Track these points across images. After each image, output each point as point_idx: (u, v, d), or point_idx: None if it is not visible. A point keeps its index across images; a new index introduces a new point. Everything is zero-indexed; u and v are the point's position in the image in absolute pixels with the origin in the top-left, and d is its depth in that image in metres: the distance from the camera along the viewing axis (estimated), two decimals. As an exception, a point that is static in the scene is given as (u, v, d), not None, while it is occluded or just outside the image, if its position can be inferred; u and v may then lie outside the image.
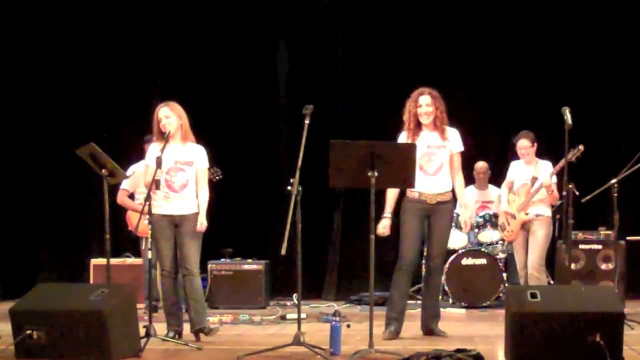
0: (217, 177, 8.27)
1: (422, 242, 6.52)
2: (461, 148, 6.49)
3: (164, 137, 6.12)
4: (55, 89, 9.69)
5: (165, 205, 6.20)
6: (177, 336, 6.17)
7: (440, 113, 6.37)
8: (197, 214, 6.26)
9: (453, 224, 8.70)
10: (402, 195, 6.44)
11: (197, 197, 6.29)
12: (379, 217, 6.20)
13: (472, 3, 9.61)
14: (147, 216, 5.99)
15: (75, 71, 9.71)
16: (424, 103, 6.35)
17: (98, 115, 9.68)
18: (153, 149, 6.25)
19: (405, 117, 6.41)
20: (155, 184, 5.97)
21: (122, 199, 7.86)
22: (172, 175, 6.21)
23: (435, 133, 6.38)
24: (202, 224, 6.25)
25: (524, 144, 7.57)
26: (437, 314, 6.54)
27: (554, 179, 7.42)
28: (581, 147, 6.99)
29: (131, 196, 7.95)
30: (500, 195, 8.23)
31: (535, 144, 7.61)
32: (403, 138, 6.39)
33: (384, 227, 6.36)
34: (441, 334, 6.38)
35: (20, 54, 9.64)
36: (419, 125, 6.38)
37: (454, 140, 6.45)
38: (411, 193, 6.31)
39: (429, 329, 6.43)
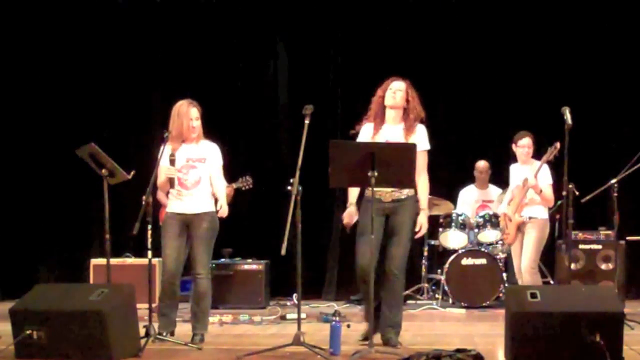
0: (247, 187, 8.22)
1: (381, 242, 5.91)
2: (426, 147, 5.96)
3: (164, 137, 6.09)
4: (55, 89, 9.70)
5: (177, 203, 6.20)
6: (168, 335, 6.10)
7: (414, 106, 5.93)
8: (210, 213, 6.20)
9: (453, 223, 8.83)
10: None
11: (213, 192, 6.26)
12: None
13: (472, 4, 9.62)
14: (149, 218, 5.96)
15: (75, 72, 9.71)
16: (396, 87, 5.96)
17: (98, 115, 9.68)
18: (167, 150, 6.20)
19: (373, 105, 6.04)
20: (170, 182, 6.04)
21: (159, 196, 7.87)
22: (185, 172, 6.19)
23: (399, 127, 5.95)
24: (222, 207, 6.18)
25: (527, 142, 7.55)
26: (396, 324, 5.91)
27: (549, 180, 7.43)
28: (557, 145, 6.94)
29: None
30: (501, 196, 8.29)
31: (534, 147, 7.64)
32: (366, 129, 6.02)
33: (349, 215, 5.94)
34: (393, 344, 5.78)
35: (21, 55, 9.64)
36: (383, 118, 5.97)
37: (418, 137, 5.92)
38: (368, 192, 5.77)
39: (386, 339, 5.83)
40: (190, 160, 6.21)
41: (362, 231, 5.86)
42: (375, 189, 5.55)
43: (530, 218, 7.51)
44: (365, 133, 6.05)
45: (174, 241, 6.19)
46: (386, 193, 5.85)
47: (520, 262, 7.54)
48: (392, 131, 5.97)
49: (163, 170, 6.13)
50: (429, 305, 8.63)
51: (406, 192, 5.91)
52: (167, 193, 6.46)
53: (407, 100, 5.99)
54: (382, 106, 6.00)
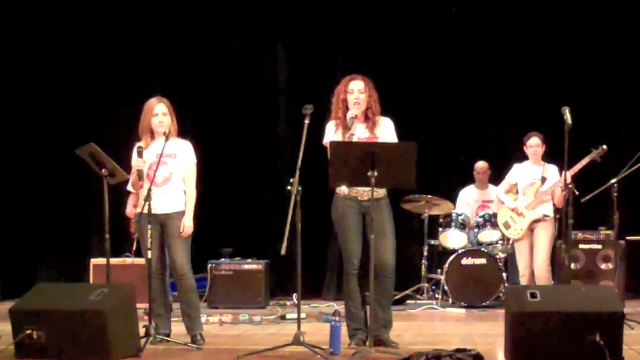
0: None
1: (364, 240, 5.83)
2: (394, 139, 5.88)
3: (164, 135, 6.05)
4: (55, 89, 9.69)
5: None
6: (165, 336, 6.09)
7: (374, 103, 5.85)
8: (182, 213, 6.11)
9: (453, 223, 8.83)
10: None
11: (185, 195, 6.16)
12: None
13: (472, 4, 9.61)
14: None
15: (75, 71, 9.70)
16: (356, 89, 5.83)
17: (98, 115, 9.68)
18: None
19: (333, 105, 5.90)
20: (138, 174, 5.93)
21: (128, 211, 7.84)
22: (155, 169, 6.02)
23: (364, 125, 5.83)
24: (184, 226, 6.06)
25: (536, 142, 7.71)
26: (389, 323, 5.93)
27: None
28: (605, 147, 7.06)
29: None
30: (498, 195, 8.31)
31: (544, 146, 7.72)
32: (331, 129, 5.86)
33: None
34: (392, 345, 5.78)
35: (20, 54, 9.63)
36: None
37: (385, 131, 5.87)
38: (341, 189, 5.83)
39: (380, 340, 5.74)
40: (159, 156, 6.06)
41: (346, 231, 5.84)
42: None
43: (545, 216, 7.63)
44: (334, 134, 5.88)
45: (153, 240, 6.02)
46: (363, 191, 5.72)
47: (528, 259, 7.65)
48: (359, 130, 5.84)
49: (133, 165, 6.08)
50: (429, 305, 8.63)
51: (383, 191, 5.84)
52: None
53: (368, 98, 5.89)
54: (346, 109, 5.86)
